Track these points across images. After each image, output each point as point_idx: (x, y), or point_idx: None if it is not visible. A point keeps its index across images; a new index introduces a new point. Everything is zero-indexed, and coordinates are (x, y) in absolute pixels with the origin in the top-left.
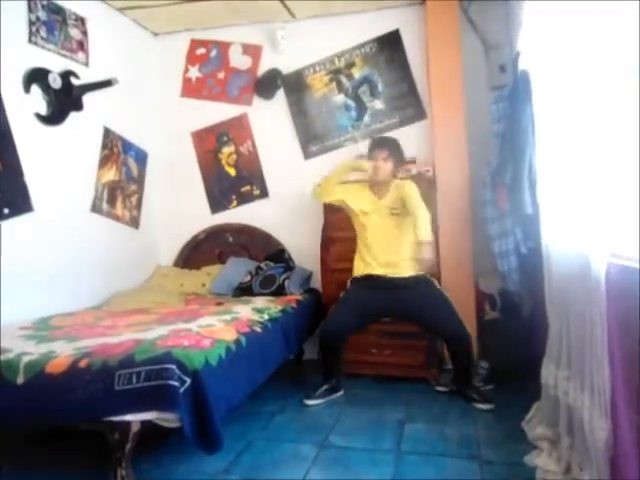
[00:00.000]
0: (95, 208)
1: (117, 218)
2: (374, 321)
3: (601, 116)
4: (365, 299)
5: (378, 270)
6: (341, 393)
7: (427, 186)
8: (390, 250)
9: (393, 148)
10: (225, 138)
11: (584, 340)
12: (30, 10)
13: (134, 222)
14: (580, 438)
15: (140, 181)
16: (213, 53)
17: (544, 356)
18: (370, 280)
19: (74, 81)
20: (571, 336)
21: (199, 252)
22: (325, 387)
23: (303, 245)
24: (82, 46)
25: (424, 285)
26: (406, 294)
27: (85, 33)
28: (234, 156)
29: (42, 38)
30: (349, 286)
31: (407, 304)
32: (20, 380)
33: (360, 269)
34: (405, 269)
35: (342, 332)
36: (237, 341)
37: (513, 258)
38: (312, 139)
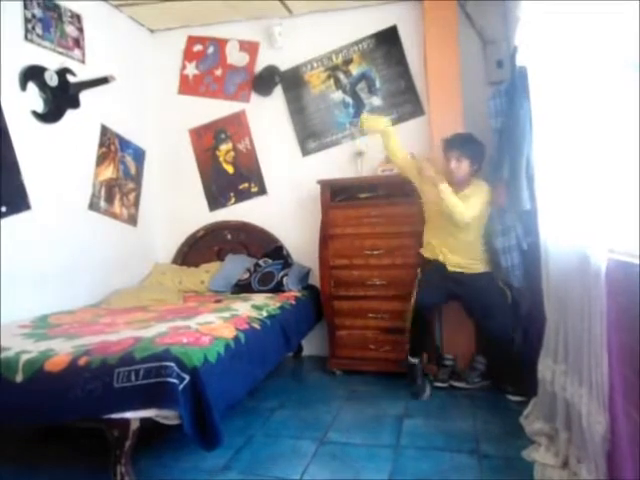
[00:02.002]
0: (93, 206)
1: (115, 216)
2: (449, 299)
3: (600, 111)
4: (440, 275)
5: (449, 267)
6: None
7: None
8: (460, 252)
9: (466, 145)
10: (223, 135)
11: (582, 335)
12: (26, 7)
13: (132, 220)
14: (578, 432)
15: (138, 179)
16: (210, 50)
17: (541, 350)
18: (441, 270)
19: (70, 78)
20: (569, 331)
21: (197, 250)
22: (422, 373)
23: (301, 242)
24: (78, 43)
25: (485, 281)
26: (467, 284)
27: (81, 30)
28: (232, 153)
29: (38, 35)
30: (424, 265)
31: (468, 292)
32: (19, 378)
33: (430, 254)
34: (474, 268)
35: (434, 302)
36: (236, 338)
37: (516, 254)
38: (310, 136)
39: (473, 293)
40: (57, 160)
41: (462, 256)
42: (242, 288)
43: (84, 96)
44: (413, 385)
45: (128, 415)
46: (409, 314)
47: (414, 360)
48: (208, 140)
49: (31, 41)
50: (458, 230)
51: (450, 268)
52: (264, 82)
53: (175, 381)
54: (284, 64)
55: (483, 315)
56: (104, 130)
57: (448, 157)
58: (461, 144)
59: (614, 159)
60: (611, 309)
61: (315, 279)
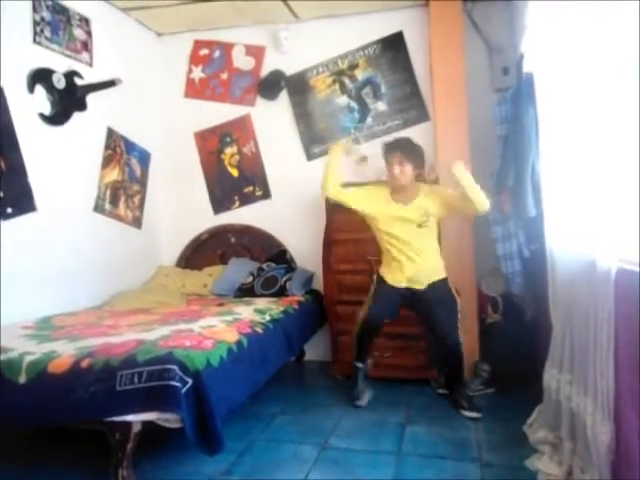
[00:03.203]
0: (98, 208)
1: (120, 218)
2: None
3: (607, 117)
4: (394, 293)
5: (404, 283)
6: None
7: None
8: (417, 265)
9: (406, 149)
10: (228, 139)
11: (588, 344)
12: (35, 10)
13: (136, 222)
14: (582, 442)
15: (143, 181)
16: (216, 54)
17: (546, 359)
18: (395, 289)
19: (78, 81)
20: (575, 340)
21: (201, 253)
22: (363, 379)
23: (305, 246)
24: (86, 46)
25: (440, 286)
26: (429, 297)
27: (89, 33)
28: (237, 157)
29: (46, 38)
30: (379, 281)
31: (421, 300)
32: (22, 380)
33: (388, 277)
34: (430, 278)
35: (385, 317)
36: (239, 342)
37: (517, 261)
38: (315, 140)
39: (430, 301)
40: (63, 162)
41: (424, 272)
42: (245, 292)
43: (91, 99)
44: (354, 388)
45: (130, 418)
46: (358, 324)
47: (359, 364)
48: (213, 143)
49: (40, 44)
50: (418, 249)
51: (413, 287)
52: (270, 86)
53: (178, 384)
54: (290, 69)
55: (435, 320)
56: (110, 133)
57: (390, 161)
58: (402, 147)
59: (621, 166)
60: (618, 318)
61: (318, 284)
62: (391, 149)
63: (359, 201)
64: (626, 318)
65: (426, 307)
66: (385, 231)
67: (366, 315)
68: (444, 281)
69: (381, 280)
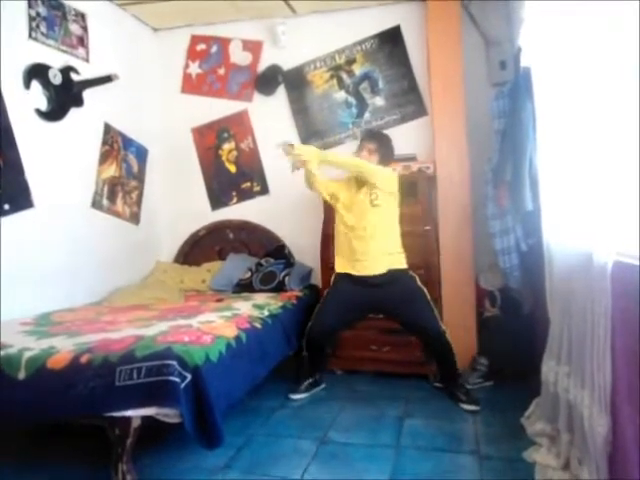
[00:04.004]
0: (95, 204)
1: (117, 214)
2: (360, 318)
3: (604, 112)
4: (347, 296)
5: (357, 267)
6: (323, 386)
7: (427, 183)
8: (370, 246)
9: (382, 143)
10: (226, 134)
11: (585, 337)
12: (30, 6)
13: (134, 218)
14: (579, 434)
15: (140, 177)
16: (213, 49)
17: (544, 352)
18: (351, 278)
19: (74, 77)
20: (572, 333)
21: (199, 248)
22: (309, 381)
23: (303, 241)
24: (82, 42)
25: (403, 281)
26: (383, 291)
27: (85, 29)
28: (234, 152)
29: (42, 34)
30: (332, 283)
31: (384, 300)
32: (21, 375)
33: (340, 266)
34: (384, 264)
35: (328, 331)
36: (237, 337)
37: (514, 255)
38: (313, 135)
39: (397, 301)
40: (60, 158)
41: (376, 252)
42: (244, 287)
43: (87, 94)
44: (301, 380)
45: (129, 413)
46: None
47: (310, 380)
48: (211, 139)
49: (35, 39)
50: (370, 227)
51: (365, 273)
52: (267, 81)
53: (177, 379)
54: (287, 63)
55: (407, 314)
56: (107, 128)
57: (361, 146)
58: (381, 141)
59: (618, 160)
60: (615, 311)
61: (317, 279)
62: (366, 137)
63: (328, 189)
64: (623, 311)
65: (395, 307)
66: (340, 213)
67: (308, 327)
68: (406, 273)
69: (335, 281)
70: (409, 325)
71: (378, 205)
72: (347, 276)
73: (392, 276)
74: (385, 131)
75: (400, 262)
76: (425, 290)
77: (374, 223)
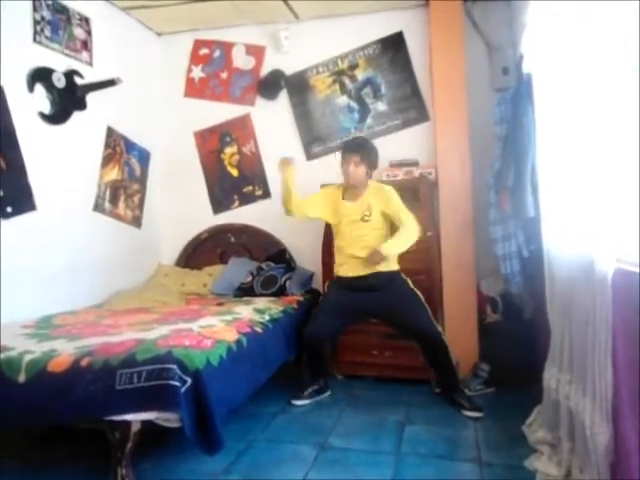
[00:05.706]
0: (97, 207)
1: (119, 217)
2: (356, 321)
3: (605, 117)
4: (340, 300)
5: (349, 272)
6: (328, 393)
7: (429, 188)
8: (359, 251)
9: (366, 152)
10: (228, 138)
11: (587, 344)
12: (35, 9)
13: (136, 221)
14: (581, 442)
15: (142, 181)
16: (216, 53)
17: (546, 359)
18: (343, 282)
19: (78, 80)
20: (573, 340)
21: (201, 252)
22: (314, 388)
23: (304, 246)
24: (86, 46)
25: (396, 283)
26: (376, 294)
27: (89, 33)
28: (237, 156)
29: (46, 37)
30: (327, 289)
31: (378, 303)
32: (22, 378)
33: (335, 271)
34: (384, 265)
35: (322, 335)
36: (238, 341)
37: (516, 261)
38: (315, 140)
39: (387, 297)
40: (63, 161)
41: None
42: (245, 291)
43: (91, 98)
44: (300, 385)
45: (129, 417)
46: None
47: (315, 386)
48: (213, 143)
49: (40, 43)
50: (364, 242)
51: (355, 273)
52: (270, 86)
53: (177, 384)
54: (290, 68)
55: (402, 318)
56: (110, 132)
57: (347, 160)
58: (363, 150)
59: (620, 166)
60: (616, 318)
61: (318, 283)
62: (348, 149)
63: (316, 209)
64: (624, 318)
65: (389, 310)
66: (336, 227)
67: (304, 333)
68: (397, 275)
69: (329, 286)
70: (404, 328)
71: (369, 221)
72: (340, 280)
73: (384, 277)
74: (387, 136)
75: (391, 264)
76: (418, 292)
77: (364, 233)
